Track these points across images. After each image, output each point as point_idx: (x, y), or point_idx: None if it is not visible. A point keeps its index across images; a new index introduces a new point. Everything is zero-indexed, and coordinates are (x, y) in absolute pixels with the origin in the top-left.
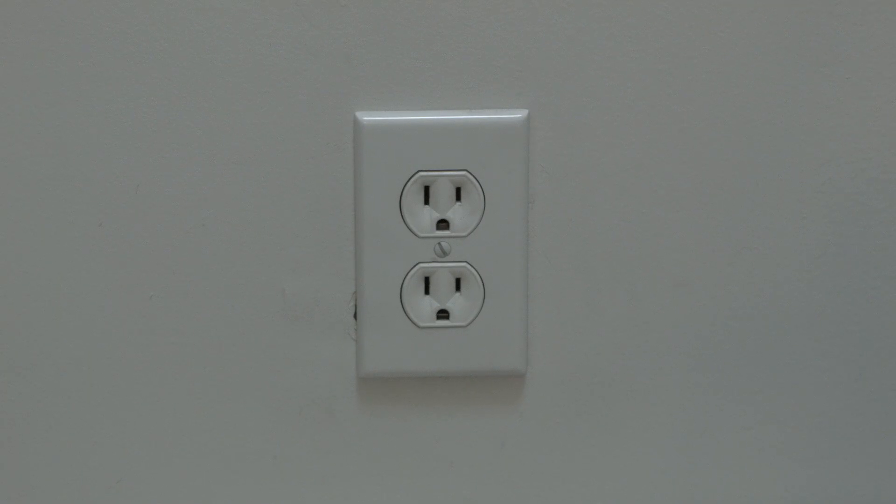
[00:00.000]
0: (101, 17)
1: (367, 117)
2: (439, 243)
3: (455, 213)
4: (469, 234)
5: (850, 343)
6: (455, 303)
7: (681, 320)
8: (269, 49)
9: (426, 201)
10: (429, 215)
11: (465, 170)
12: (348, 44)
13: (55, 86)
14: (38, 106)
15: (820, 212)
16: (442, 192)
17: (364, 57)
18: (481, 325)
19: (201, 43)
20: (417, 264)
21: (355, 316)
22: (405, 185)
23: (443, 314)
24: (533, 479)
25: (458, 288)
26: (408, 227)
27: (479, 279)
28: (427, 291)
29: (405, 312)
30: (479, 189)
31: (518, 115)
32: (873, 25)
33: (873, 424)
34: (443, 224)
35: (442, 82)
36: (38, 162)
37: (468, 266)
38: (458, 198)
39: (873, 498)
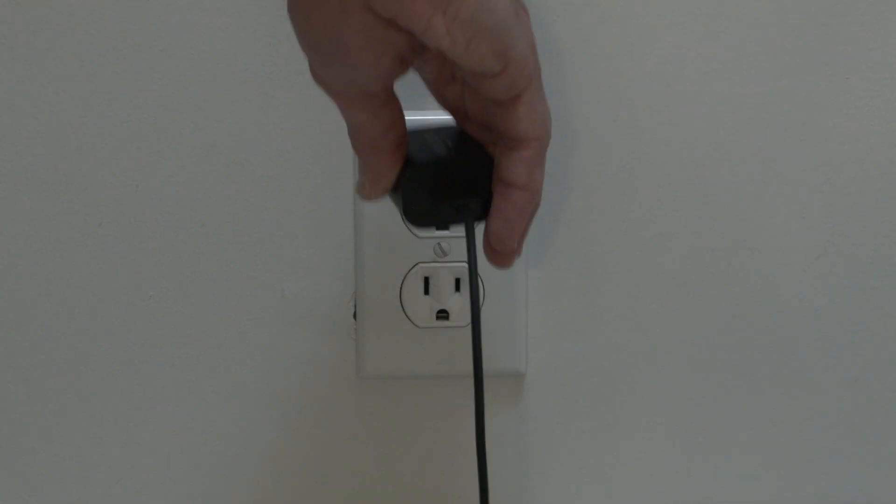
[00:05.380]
0: (101, 17)
1: None
2: (439, 243)
3: None
4: None
5: (850, 343)
6: (455, 303)
7: (681, 320)
8: (269, 49)
9: None
10: None
11: None
12: None
13: (55, 86)
14: (38, 106)
15: (820, 212)
16: None
17: None
18: (482, 324)
19: (201, 43)
20: (417, 264)
21: (355, 316)
22: None
23: (442, 314)
24: (533, 479)
25: (457, 288)
26: (407, 227)
27: (478, 279)
28: (427, 291)
29: (405, 312)
30: None
31: None
32: (873, 25)
33: (873, 424)
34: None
35: None
36: (38, 162)
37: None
38: None
39: (873, 498)
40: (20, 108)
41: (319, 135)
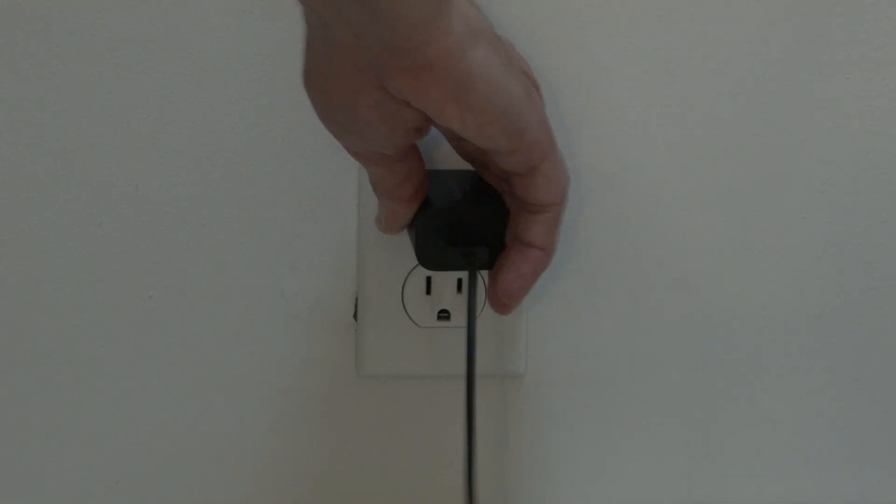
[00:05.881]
0: (101, 17)
1: None
2: None
3: None
4: None
5: (850, 343)
6: (456, 303)
7: (681, 320)
8: (269, 48)
9: None
10: None
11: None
12: None
13: (55, 86)
14: (38, 106)
15: (820, 212)
16: None
17: None
18: (481, 325)
19: (201, 42)
20: (418, 264)
21: (355, 316)
22: None
23: (444, 314)
24: (532, 479)
25: (459, 288)
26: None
27: (479, 279)
28: (428, 291)
29: (406, 312)
30: None
31: None
32: (873, 25)
33: (873, 424)
34: None
35: None
36: (38, 162)
37: None
38: None
39: (874, 498)
40: (20, 108)
41: (319, 134)
